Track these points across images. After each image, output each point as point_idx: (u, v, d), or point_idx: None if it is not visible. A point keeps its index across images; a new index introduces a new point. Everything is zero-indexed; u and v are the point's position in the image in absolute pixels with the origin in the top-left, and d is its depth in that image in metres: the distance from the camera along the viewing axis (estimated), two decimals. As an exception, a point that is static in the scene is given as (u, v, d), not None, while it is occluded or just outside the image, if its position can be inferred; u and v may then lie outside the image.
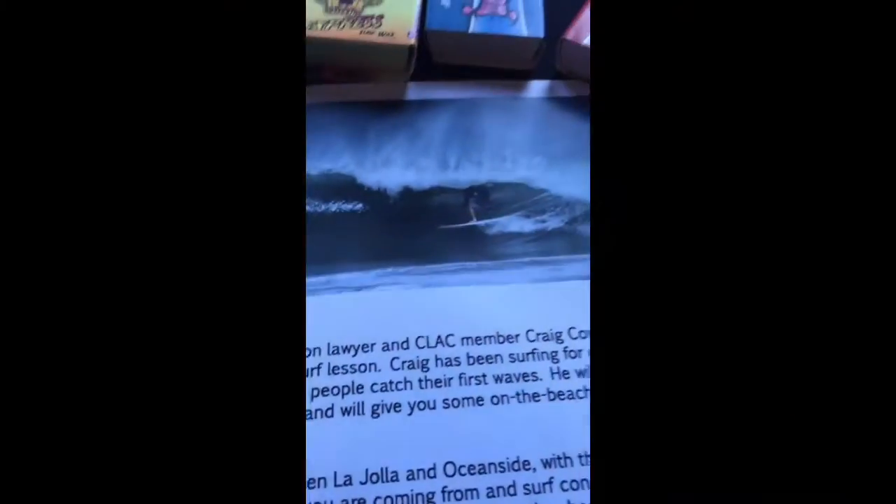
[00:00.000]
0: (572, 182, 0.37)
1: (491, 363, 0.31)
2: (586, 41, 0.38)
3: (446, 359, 0.31)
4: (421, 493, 0.28)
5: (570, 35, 0.38)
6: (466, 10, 0.39)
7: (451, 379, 0.31)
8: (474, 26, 0.38)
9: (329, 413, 0.30)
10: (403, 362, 0.31)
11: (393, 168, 0.37)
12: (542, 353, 0.31)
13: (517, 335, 0.32)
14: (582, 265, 0.34)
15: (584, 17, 0.39)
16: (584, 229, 0.35)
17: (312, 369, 0.31)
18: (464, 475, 0.28)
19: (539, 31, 0.38)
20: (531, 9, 0.39)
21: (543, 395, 0.30)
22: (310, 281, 0.33)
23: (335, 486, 0.28)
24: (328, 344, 0.31)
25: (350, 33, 0.37)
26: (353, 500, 0.28)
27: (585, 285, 0.33)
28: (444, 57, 0.40)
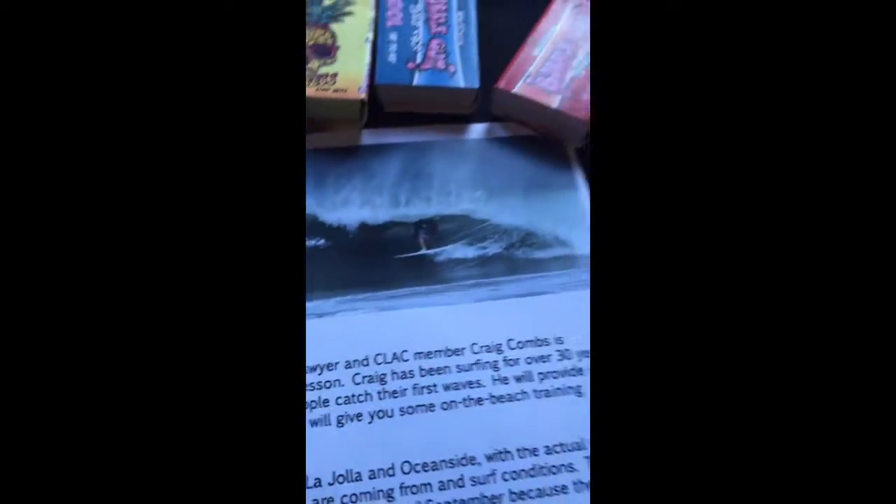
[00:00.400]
0: (510, 212, 0.42)
1: (440, 374, 0.36)
2: (515, 89, 0.43)
3: (401, 372, 0.36)
4: (381, 490, 0.32)
5: (502, 84, 0.44)
6: (410, 65, 0.44)
7: (405, 390, 0.35)
8: (418, 79, 0.44)
9: (300, 426, 0.34)
10: (363, 377, 0.35)
11: (350, 207, 0.42)
12: (485, 362, 0.36)
13: (463, 348, 0.37)
14: (518, 285, 0.39)
15: (514, 67, 0.44)
16: (520, 253, 0.40)
17: (284, 388, 0.35)
18: (418, 472, 0.33)
19: (475, 82, 0.44)
20: (467, 62, 0.44)
21: (486, 399, 0.35)
22: (279, 310, 0.37)
23: (306, 488, 0.32)
24: (297, 365, 0.36)
25: (308, 91, 0.42)
26: (322, 500, 0.32)
27: (522, 302, 0.38)
28: (392, 106, 0.45)
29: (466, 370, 0.36)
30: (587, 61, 0.45)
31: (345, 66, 0.43)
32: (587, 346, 0.37)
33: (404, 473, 0.32)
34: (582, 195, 0.43)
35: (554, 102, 0.43)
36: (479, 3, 0.48)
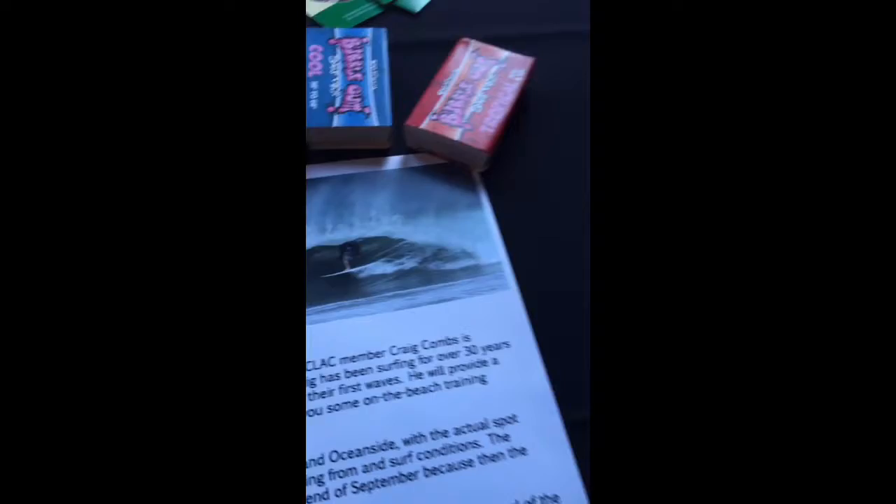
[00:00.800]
0: (423, 231, 0.48)
1: (363, 374, 0.41)
2: (423, 125, 0.50)
3: (329, 375, 0.41)
4: (313, 476, 0.37)
5: (411, 121, 0.50)
6: (330, 109, 0.50)
7: (332, 391, 0.40)
8: (337, 122, 0.50)
9: (240, 429, 0.38)
10: (296, 382, 0.40)
11: (282, 235, 0.47)
12: (402, 362, 0.42)
13: (383, 351, 0.42)
14: (431, 293, 0.45)
15: (421, 106, 0.51)
16: (433, 266, 0.46)
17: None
18: (344, 459, 0.38)
19: (387, 121, 0.50)
20: (380, 104, 0.51)
21: (403, 393, 0.40)
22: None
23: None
24: (237, 376, 0.40)
25: (239, 136, 0.48)
26: (260, 490, 0.36)
27: (434, 308, 0.44)
28: (318, 146, 0.51)
29: (386, 370, 0.41)
30: (485, 98, 0.52)
31: (272, 113, 0.49)
32: (491, 341, 0.43)
33: (332, 461, 0.37)
34: (486, 212, 0.49)
35: (456, 135, 0.49)
36: (391, 51, 0.55)
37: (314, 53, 0.54)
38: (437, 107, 0.51)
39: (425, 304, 0.44)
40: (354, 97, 0.51)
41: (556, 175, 0.51)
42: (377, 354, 0.42)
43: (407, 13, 0.62)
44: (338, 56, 0.54)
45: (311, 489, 0.36)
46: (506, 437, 0.39)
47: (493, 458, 0.38)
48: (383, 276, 0.46)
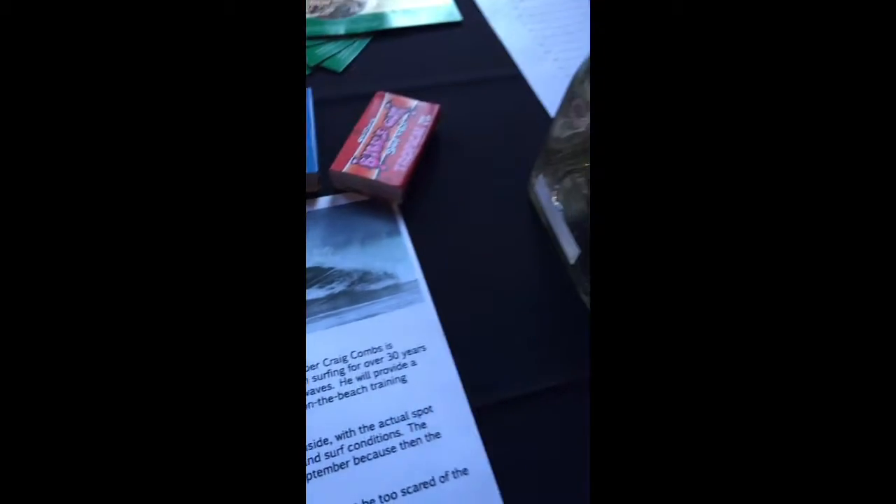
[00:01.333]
0: (350, 259, 0.55)
1: (300, 384, 0.47)
2: (345, 168, 0.58)
3: (270, 388, 0.47)
4: (258, 474, 0.43)
5: (335, 166, 0.58)
6: (264, 161, 0.58)
7: (274, 400, 0.46)
8: (270, 171, 0.57)
9: (194, 440, 0.44)
10: (241, 396, 0.46)
11: (226, 273, 0.54)
12: (334, 371, 0.48)
13: (317, 364, 0.49)
14: (358, 311, 0.52)
15: (343, 152, 0.59)
16: (359, 288, 0.53)
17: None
18: (285, 456, 0.44)
19: (314, 168, 0.58)
20: (308, 154, 0.59)
21: (336, 397, 0.47)
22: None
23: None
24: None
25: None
26: (212, 489, 0.42)
27: (361, 323, 0.51)
28: (255, 193, 0.58)
29: (320, 379, 0.48)
30: (398, 141, 0.60)
31: (212, 168, 0.56)
32: (409, 347, 0.50)
33: (274, 459, 0.44)
34: (404, 238, 0.57)
35: (373, 175, 0.57)
36: (318, 106, 0.63)
37: (248, 114, 0.61)
38: (358, 152, 0.59)
39: (353, 320, 0.51)
40: (285, 149, 0.59)
41: (462, 203, 0.60)
42: (312, 367, 0.48)
43: (332, 72, 0.71)
44: (269, 115, 0.62)
45: (256, 483, 0.42)
46: (423, 425, 0.45)
47: (412, 443, 0.45)
48: (316, 300, 0.53)
